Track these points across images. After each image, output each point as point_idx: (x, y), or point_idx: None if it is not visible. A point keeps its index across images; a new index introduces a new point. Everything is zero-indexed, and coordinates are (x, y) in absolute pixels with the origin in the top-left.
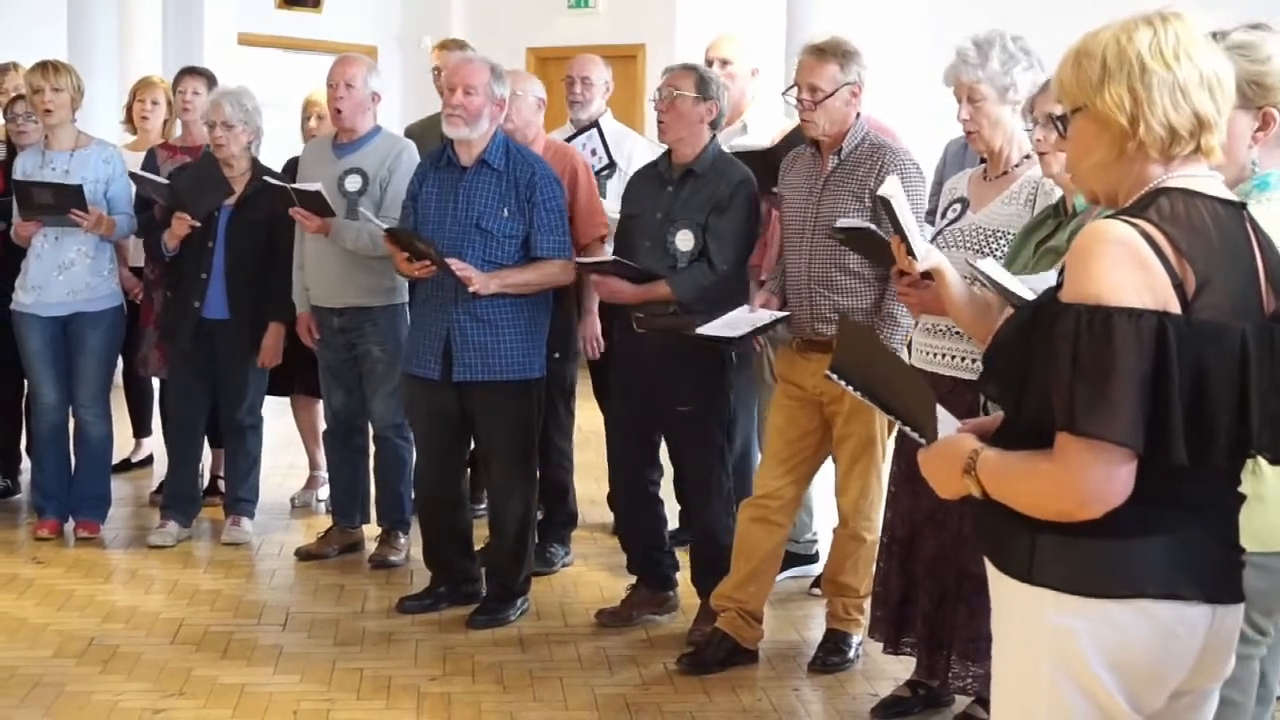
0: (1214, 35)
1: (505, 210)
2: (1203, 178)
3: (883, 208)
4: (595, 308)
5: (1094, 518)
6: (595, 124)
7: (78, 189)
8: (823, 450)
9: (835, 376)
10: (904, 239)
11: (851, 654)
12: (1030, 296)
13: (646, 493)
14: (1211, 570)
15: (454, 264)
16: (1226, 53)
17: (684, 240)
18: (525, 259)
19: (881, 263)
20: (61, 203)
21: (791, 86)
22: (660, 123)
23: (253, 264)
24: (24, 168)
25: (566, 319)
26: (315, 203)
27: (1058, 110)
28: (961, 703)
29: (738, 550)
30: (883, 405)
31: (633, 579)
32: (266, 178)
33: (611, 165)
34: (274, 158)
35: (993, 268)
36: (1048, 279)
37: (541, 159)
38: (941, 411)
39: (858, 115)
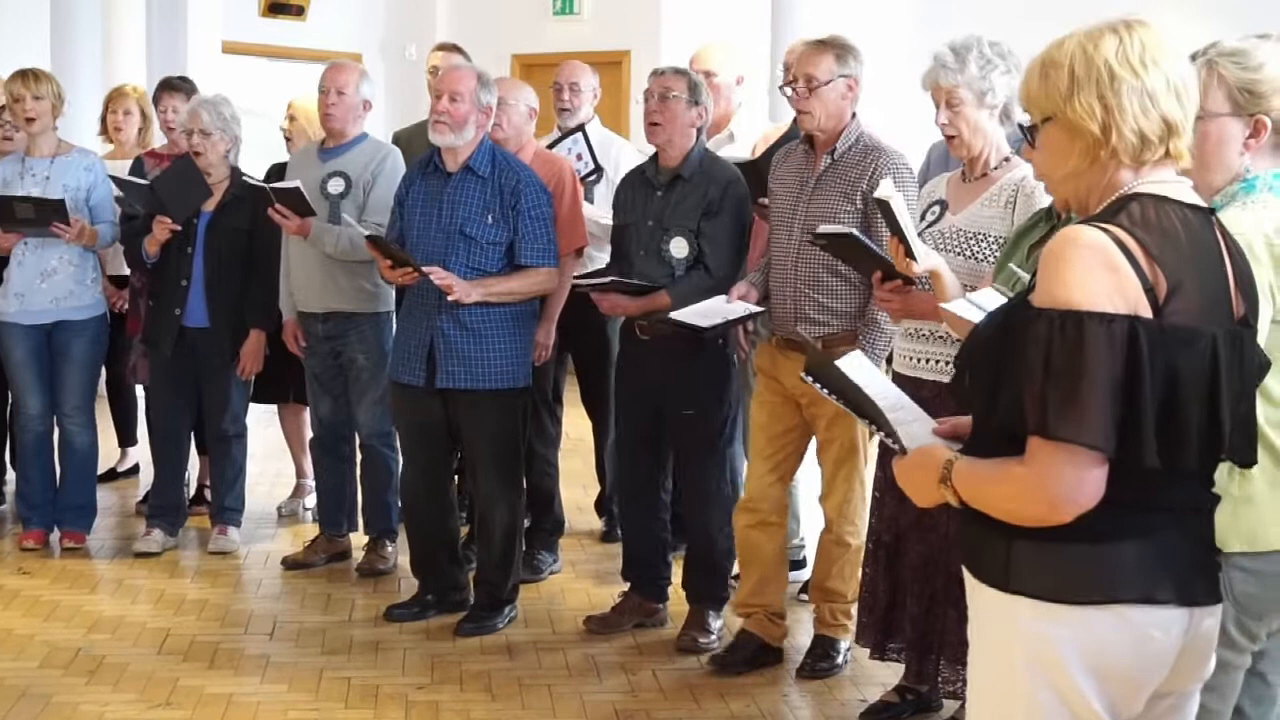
0: (1212, 45)
1: (489, 217)
2: (1172, 183)
3: (879, 209)
4: (555, 315)
5: (1066, 521)
6: (581, 128)
7: (60, 203)
8: (805, 444)
9: (810, 379)
10: (902, 240)
11: (840, 659)
12: None
13: (655, 499)
14: (1186, 573)
15: (434, 273)
16: (1221, 59)
17: (678, 248)
18: (510, 266)
19: (863, 270)
20: (43, 216)
21: (788, 82)
22: (653, 123)
23: (233, 271)
24: (2, 176)
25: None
26: (294, 201)
27: (1027, 122)
28: (950, 708)
29: (743, 558)
30: (857, 411)
31: (623, 585)
32: (245, 177)
33: (598, 170)
34: (260, 166)
35: (989, 298)
36: None
37: (528, 167)
38: (918, 411)
39: (854, 115)
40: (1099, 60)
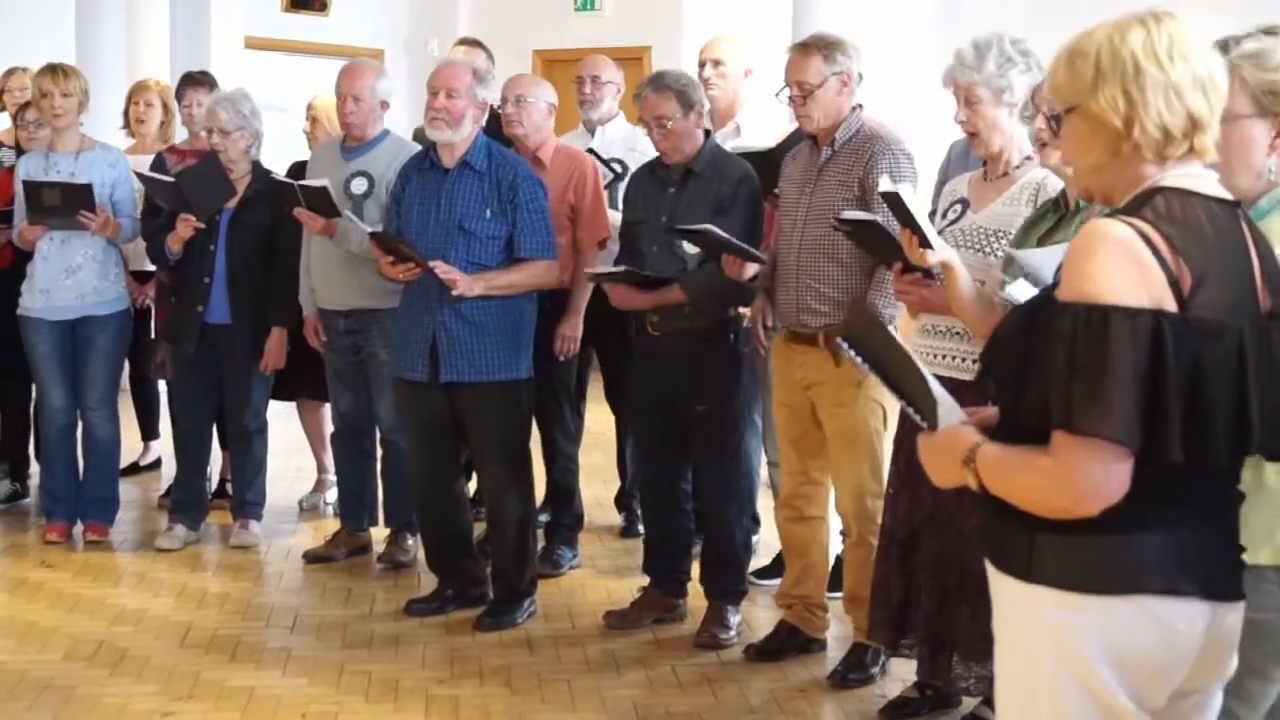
0: (1226, 41)
1: (488, 211)
2: (1197, 177)
3: (888, 203)
4: (582, 308)
5: (1091, 515)
6: (590, 150)
7: (86, 188)
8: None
9: (846, 346)
10: (916, 231)
11: (875, 669)
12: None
13: (675, 494)
14: (1210, 567)
15: (438, 267)
16: (1241, 61)
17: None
18: (509, 260)
19: (884, 258)
20: (69, 204)
21: (783, 88)
22: (660, 149)
23: (255, 268)
24: (28, 170)
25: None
26: (321, 200)
27: (1052, 110)
28: (969, 704)
29: (786, 550)
30: (889, 383)
31: (644, 580)
32: (273, 175)
33: (618, 179)
34: (281, 161)
35: (1023, 291)
36: (1058, 250)
37: (523, 161)
38: (949, 400)
39: (855, 108)
40: (1125, 52)
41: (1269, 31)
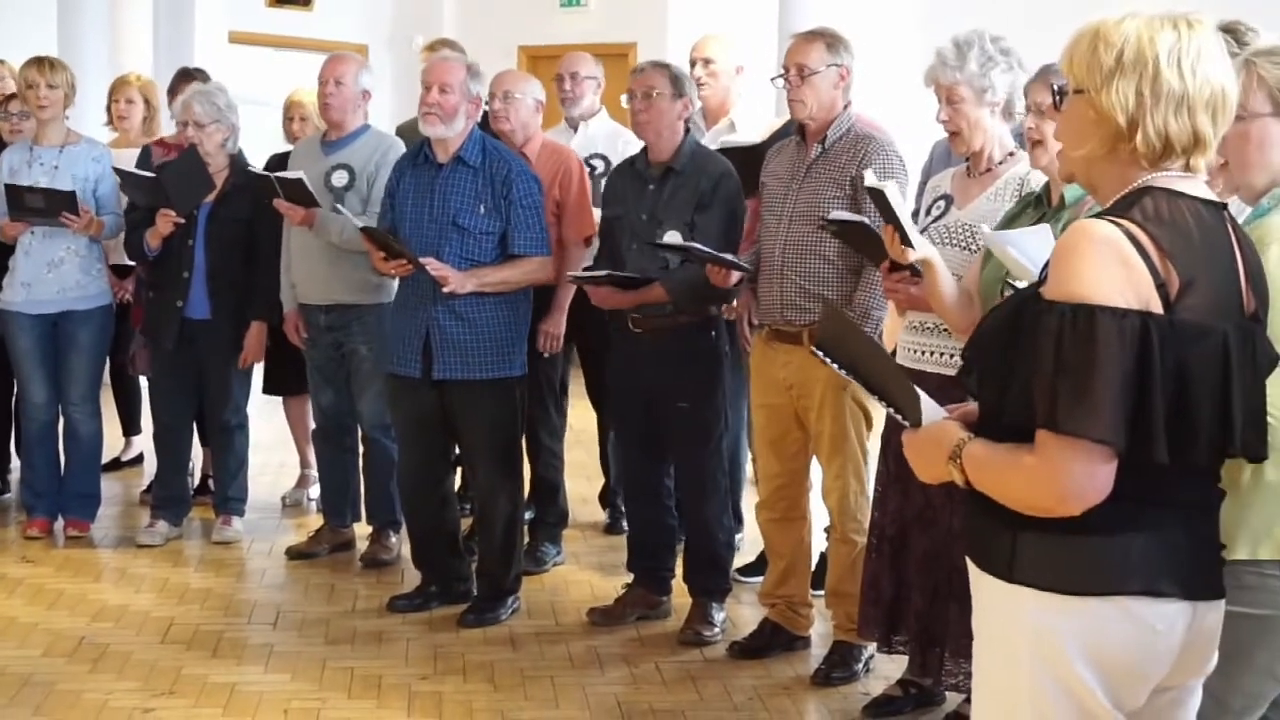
0: (1235, 34)
1: (482, 207)
2: (1186, 178)
3: (873, 199)
4: (565, 305)
5: (1074, 514)
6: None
7: (70, 195)
8: (808, 439)
9: (820, 353)
10: (898, 228)
11: (859, 667)
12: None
13: (658, 491)
14: (1191, 567)
15: (429, 264)
16: (1258, 59)
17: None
18: (503, 256)
19: (874, 258)
20: (53, 207)
21: (781, 74)
22: (639, 121)
23: (234, 262)
24: (10, 163)
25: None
26: (299, 192)
27: (1059, 83)
28: (953, 701)
29: (768, 550)
30: (867, 385)
31: (627, 577)
32: (250, 168)
33: (599, 165)
34: (264, 156)
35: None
36: (1038, 231)
37: (517, 156)
38: (927, 400)
39: (846, 106)
40: (1150, 53)
41: (1229, 29)
